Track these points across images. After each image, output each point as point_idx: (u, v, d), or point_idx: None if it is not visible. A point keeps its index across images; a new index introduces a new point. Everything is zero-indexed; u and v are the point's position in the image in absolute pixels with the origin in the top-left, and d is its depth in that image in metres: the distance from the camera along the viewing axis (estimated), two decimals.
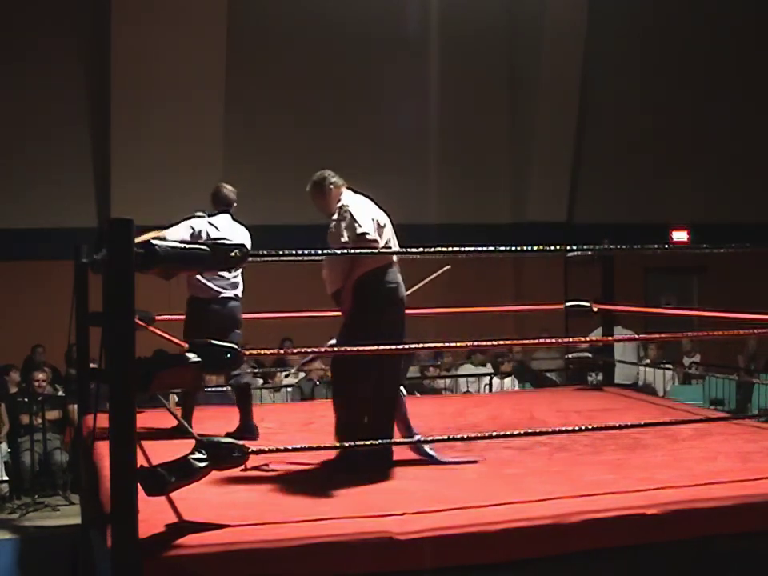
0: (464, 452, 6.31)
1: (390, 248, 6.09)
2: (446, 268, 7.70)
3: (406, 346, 6.06)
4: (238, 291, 7.50)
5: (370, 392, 5.95)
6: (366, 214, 5.99)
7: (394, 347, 5.60)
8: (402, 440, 6.08)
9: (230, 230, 7.39)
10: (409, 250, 5.53)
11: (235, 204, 7.59)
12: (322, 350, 5.99)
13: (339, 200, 6.15)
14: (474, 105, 17.43)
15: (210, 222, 7.39)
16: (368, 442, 5.49)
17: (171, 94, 14.83)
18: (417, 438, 6.09)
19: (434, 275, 7.53)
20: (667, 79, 18.18)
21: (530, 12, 16.89)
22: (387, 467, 5.80)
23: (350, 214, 5.96)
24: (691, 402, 11.04)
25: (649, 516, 4.76)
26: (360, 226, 5.88)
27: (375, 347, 5.28)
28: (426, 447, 6.11)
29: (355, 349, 5.37)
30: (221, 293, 7.37)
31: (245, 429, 7.21)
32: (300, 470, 5.86)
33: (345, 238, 5.91)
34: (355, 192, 6.29)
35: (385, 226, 6.11)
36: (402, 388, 6.30)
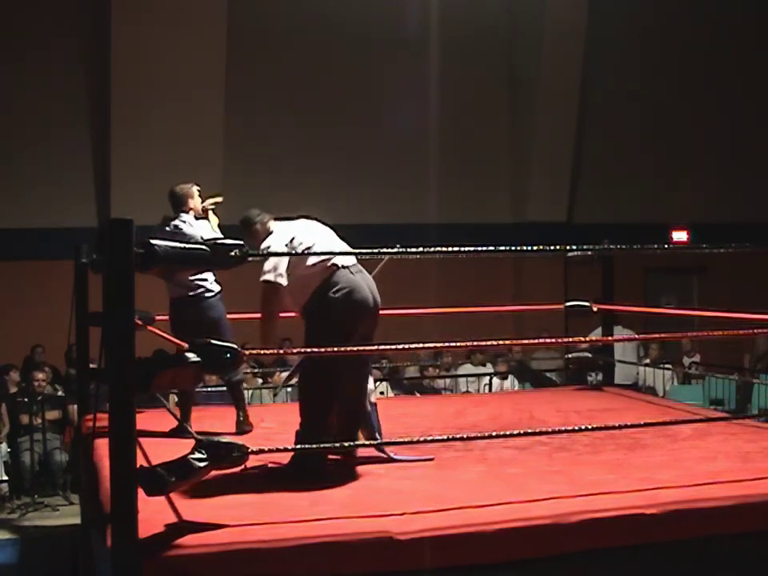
0: (463, 452, 6.31)
1: (332, 261, 5.97)
2: (385, 259, 7.65)
3: (402, 346, 6.05)
4: (202, 290, 7.38)
5: (333, 397, 5.96)
6: (276, 259, 5.97)
7: (394, 347, 5.59)
8: (370, 442, 6.11)
9: (194, 229, 7.33)
10: (408, 250, 5.51)
11: (191, 199, 7.53)
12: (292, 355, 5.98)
13: (266, 237, 6.17)
14: (474, 105, 17.43)
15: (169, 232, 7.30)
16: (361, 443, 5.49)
17: (171, 94, 14.82)
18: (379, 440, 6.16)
19: (378, 268, 7.47)
20: (667, 79, 18.17)
21: (529, 12, 16.88)
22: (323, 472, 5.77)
23: (266, 257, 5.99)
24: (691, 401, 11.03)
25: (648, 516, 4.76)
26: (265, 272, 5.94)
27: (377, 347, 5.28)
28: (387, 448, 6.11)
29: (354, 349, 5.37)
30: (187, 292, 7.31)
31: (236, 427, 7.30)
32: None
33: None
34: (283, 219, 6.30)
35: (313, 245, 6.02)
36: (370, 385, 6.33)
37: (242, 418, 7.38)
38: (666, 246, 12.46)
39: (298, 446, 5.54)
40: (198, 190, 7.61)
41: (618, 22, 17.22)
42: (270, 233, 6.19)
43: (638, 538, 4.76)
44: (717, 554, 4.92)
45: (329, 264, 5.93)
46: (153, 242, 4.48)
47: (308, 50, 16.29)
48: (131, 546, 4.17)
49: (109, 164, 15.16)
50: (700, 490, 5.15)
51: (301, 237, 6.07)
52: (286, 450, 5.35)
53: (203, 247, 4.73)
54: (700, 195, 18.35)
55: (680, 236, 18.32)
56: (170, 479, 4.45)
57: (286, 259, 5.97)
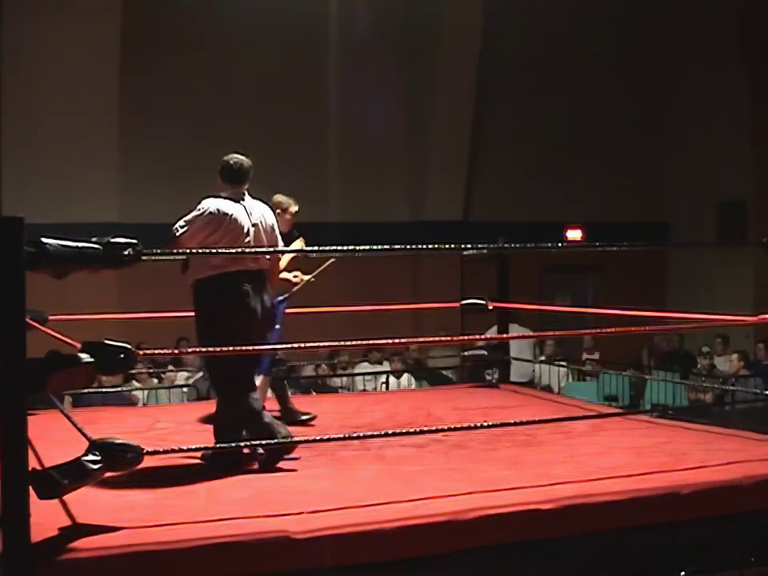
0: (361, 450, 6.32)
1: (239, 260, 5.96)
2: (329, 261, 7.72)
3: (304, 345, 6.04)
4: None
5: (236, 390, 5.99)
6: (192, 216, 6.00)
7: (290, 346, 5.57)
8: (307, 439, 6.08)
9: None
10: (305, 249, 5.50)
11: (279, 212, 7.34)
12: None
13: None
14: (372, 106, 17.44)
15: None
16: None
17: (63, 94, 14.63)
18: None
19: (319, 269, 7.55)
20: (562, 79, 18.37)
21: (427, 11, 16.94)
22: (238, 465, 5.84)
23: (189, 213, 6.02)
24: (585, 398, 11.15)
25: (545, 511, 4.81)
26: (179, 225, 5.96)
27: (272, 346, 5.25)
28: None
29: (251, 349, 5.34)
30: None
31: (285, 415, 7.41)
32: (196, 470, 5.81)
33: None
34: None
35: (248, 232, 6.05)
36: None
37: (289, 406, 7.56)
38: (560, 244, 12.59)
39: (194, 446, 5.48)
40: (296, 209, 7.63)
41: (513, 22, 17.38)
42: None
43: (535, 533, 4.80)
44: (612, 546, 4.99)
45: (234, 261, 5.90)
46: (44, 240, 4.39)
47: (203, 48, 16.14)
48: (23, 551, 4.11)
49: None
50: (595, 485, 5.21)
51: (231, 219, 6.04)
52: (180, 450, 5.28)
53: (95, 246, 4.64)
54: (595, 194, 18.60)
55: (575, 234, 18.52)
56: (63, 482, 4.38)
57: (193, 217, 5.97)
